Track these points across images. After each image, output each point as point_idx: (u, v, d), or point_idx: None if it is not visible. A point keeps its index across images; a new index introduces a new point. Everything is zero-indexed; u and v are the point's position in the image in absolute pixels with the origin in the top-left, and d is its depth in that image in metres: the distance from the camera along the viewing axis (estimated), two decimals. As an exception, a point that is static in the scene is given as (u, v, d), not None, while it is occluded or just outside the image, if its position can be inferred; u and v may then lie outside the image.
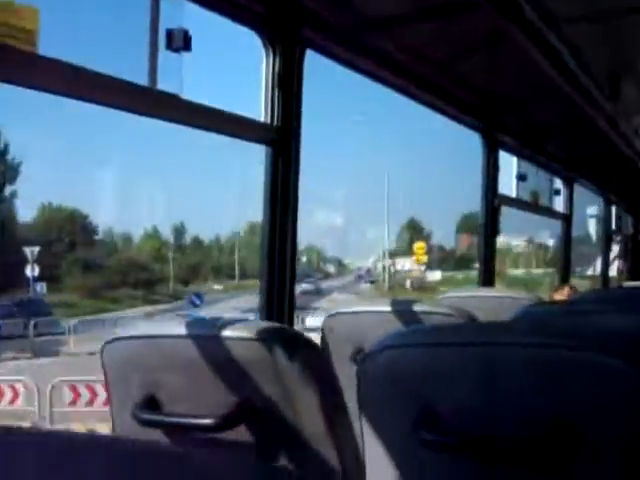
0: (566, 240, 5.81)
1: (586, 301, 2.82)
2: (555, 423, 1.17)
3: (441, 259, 49.05)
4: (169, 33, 2.15)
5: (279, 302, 2.53)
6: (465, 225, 45.18)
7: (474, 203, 4.22)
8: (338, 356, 2.46)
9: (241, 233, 51.37)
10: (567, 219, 5.76)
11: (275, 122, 2.49)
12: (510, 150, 4.56)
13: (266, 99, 2.50)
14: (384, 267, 46.92)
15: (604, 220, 7.49)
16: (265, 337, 1.56)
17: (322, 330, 2.58)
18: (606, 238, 7.51)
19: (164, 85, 2.08)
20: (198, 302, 30.99)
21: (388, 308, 2.53)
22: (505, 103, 4.06)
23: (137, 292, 40.19)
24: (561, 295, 4.10)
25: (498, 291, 3.49)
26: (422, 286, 40.89)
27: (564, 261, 5.83)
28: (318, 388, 1.58)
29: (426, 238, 49.03)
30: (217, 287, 47.11)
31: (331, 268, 59.02)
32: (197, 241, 51.82)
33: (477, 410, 1.30)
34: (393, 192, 47.04)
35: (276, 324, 2.06)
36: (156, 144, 45.67)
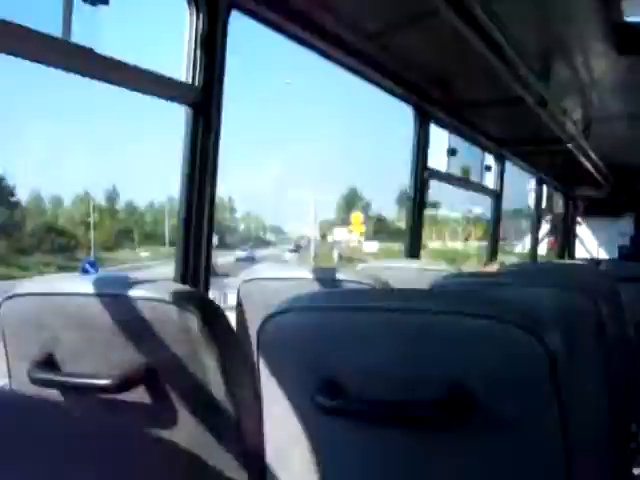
0: (495, 216, 5.89)
1: (509, 274, 2.85)
2: (451, 389, 1.18)
3: (379, 230, 49.33)
4: (85, -17, 2.08)
5: (195, 267, 2.50)
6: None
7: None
8: (252, 322, 2.46)
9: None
10: (497, 195, 5.83)
11: (197, 83, 2.45)
12: (443, 125, 4.60)
13: (188, 59, 2.45)
14: (311, 237, 46.59)
15: (535, 198, 7.61)
16: (172, 299, 1.54)
17: (237, 294, 2.57)
18: (537, 216, 7.64)
19: (79, 38, 2.03)
20: (92, 271, 25.37)
21: (305, 275, 2.53)
22: (437, 77, 4.07)
23: (52, 259, 37.53)
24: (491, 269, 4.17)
25: (420, 263, 3.51)
26: (351, 256, 40.63)
27: (493, 237, 5.91)
28: (223, 352, 1.56)
29: (364, 208, 49.20)
30: (144, 254, 45.59)
31: (272, 237, 59.43)
32: (131, 206, 51.12)
33: (378, 376, 1.30)
34: (333, 162, 47.20)
35: (186, 287, 2.04)
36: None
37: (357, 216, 43.40)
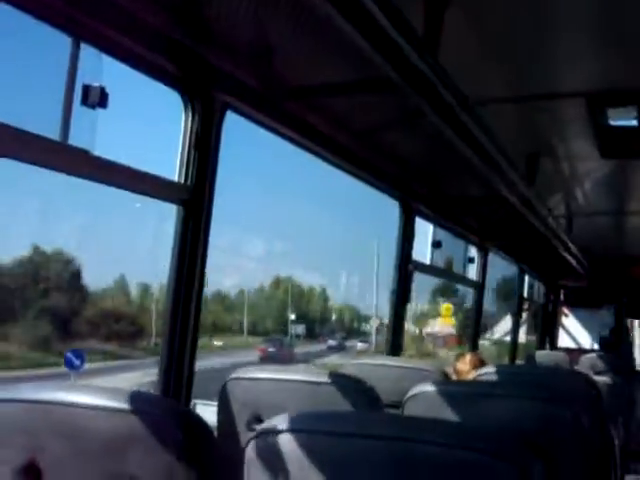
0: (477, 308, 5.92)
1: (488, 379, 2.87)
2: None
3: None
4: (86, 88, 2.12)
5: (176, 376, 2.49)
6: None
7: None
8: (234, 421, 2.45)
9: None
10: (479, 287, 5.88)
11: (189, 181, 2.49)
12: (427, 218, 4.66)
13: (182, 158, 2.49)
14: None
15: (517, 288, 7.66)
16: (158, 412, 1.54)
17: (221, 393, 2.56)
18: (517, 305, 7.67)
19: (77, 140, 2.06)
20: (76, 362, 22.28)
21: (286, 376, 2.52)
22: (422, 174, 4.16)
23: (107, 346, 34.38)
24: (463, 364, 4.16)
25: (402, 361, 3.51)
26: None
27: (474, 328, 5.93)
28: (205, 468, 1.56)
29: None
30: (217, 343, 41.34)
31: (367, 326, 57.00)
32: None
33: None
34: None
35: (172, 401, 2.03)
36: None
37: (448, 307, 41.79)
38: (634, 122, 3.93)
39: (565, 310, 10.02)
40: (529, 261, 7.51)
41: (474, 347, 5.81)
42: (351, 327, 58.06)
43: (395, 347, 4.17)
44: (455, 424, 1.38)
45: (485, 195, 4.20)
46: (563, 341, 10.02)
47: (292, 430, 1.38)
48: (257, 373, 2.56)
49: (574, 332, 10.11)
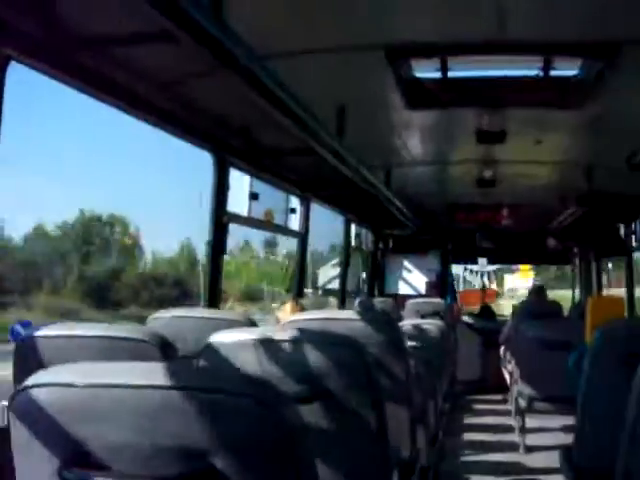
0: (300, 257, 6.03)
1: (291, 331, 2.93)
2: (194, 463, 1.22)
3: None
4: None
5: None
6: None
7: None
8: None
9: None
10: (302, 237, 5.98)
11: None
12: (243, 170, 4.68)
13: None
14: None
15: (344, 238, 7.84)
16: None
17: (14, 356, 2.49)
18: (345, 255, 7.86)
19: None
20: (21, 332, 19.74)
21: (80, 332, 2.48)
22: (234, 127, 4.16)
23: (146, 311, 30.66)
24: (284, 313, 4.25)
25: (214, 313, 3.53)
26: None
27: (298, 277, 6.04)
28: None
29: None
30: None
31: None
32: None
33: (123, 452, 1.32)
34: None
35: None
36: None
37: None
38: (438, 74, 4.09)
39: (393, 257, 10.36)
40: (354, 211, 7.69)
41: (299, 295, 5.92)
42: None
43: (212, 298, 4.19)
44: (212, 370, 1.41)
45: (298, 147, 4.25)
46: (396, 288, 10.38)
47: (54, 384, 1.37)
48: (50, 331, 2.51)
49: (404, 278, 10.48)
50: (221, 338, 2.31)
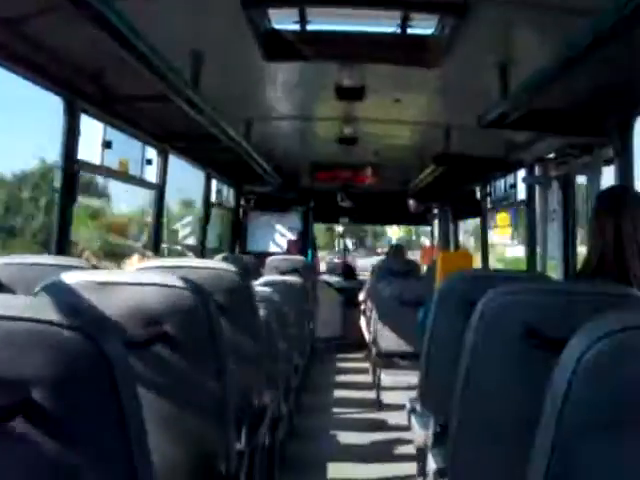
0: (157, 211, 5.91)
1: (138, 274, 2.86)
2: (15, 393, 1.16)
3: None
4: None
5: None
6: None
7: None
8: None
9: None
10: (160, 190, 5.86)
11: None
12: (96, 117, 4.53)
13: None
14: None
15: (204, 192, 7.74)
16: None
17: None
18: (205, 211, 7.77)
19: None
20: None
21: None
22: (86, 70, 4.00)
23: None
24: (130, 264, 4.15)
25: (57, 260, 3.41)
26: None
27: (155, 231, 5.93)
28: None
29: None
30: None
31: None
32: None
33: None
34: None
35: None
36: None
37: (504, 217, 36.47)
38: (296, 26, 4.06)
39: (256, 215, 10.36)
40: (215, 166, 7.60)
41: (155, 250, 5.81)
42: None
43: (61, 247, 4.05)
44: (41, 303, 1.34)
45: (153, 95, 4.13)
46: (257, 246, 10.38)
47: None
48: None
49: (266, 236, 10.49)
50: (58, 279, 2.22)
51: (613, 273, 2.71)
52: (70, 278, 2.15)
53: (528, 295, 2.15)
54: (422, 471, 3.47)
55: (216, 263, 3.11)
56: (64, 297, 2.08)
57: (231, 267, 3.01)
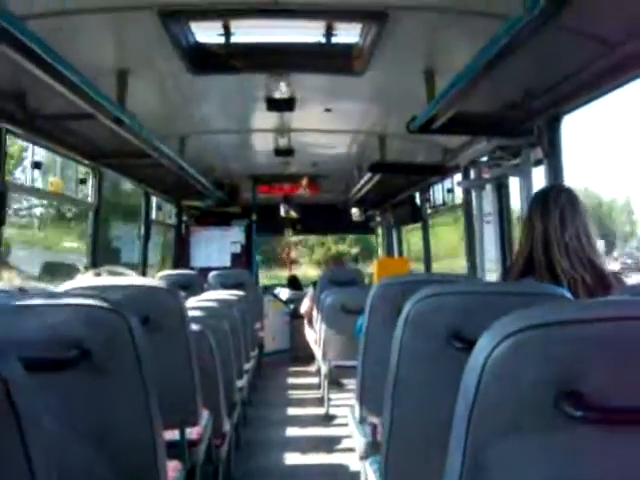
0: (93, 230, 5.82)
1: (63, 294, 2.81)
2: None
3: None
4: None
5: None
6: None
7: None
8: None
9: None
10: (95, 209, 5.79)
11: None
12: (24, 139, 4.46)
13: None
14: None
15: (143, 210, 7.66)
16: None
17: None
18: (145, 228, 7.69)
19: None
20: None
21: None
22: (7, 91, 3.93)
23: None
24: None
25: None
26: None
27: (92, 249, 5.84)
28: None
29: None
30: None
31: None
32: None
33: None
34: None
35: None
36: None
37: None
38: (221, 39, 4.04)
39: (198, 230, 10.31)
40: (153, 183, 7.53)
41: (94, 264, 5.73)
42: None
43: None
44: None
45: (78, 114, 4.07)
46: (201, 261, 10.32)
47: None
48: None
49: (209, 251, 10.44)
50: None
51: (541, 271, 2.75)
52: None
53: (451, 297, 2.16)
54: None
55: (146, 280, 3.08)
56: None
57: (161, 284, 2.97)
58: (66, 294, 2.19)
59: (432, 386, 2.21)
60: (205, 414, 3.37)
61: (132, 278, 3.31)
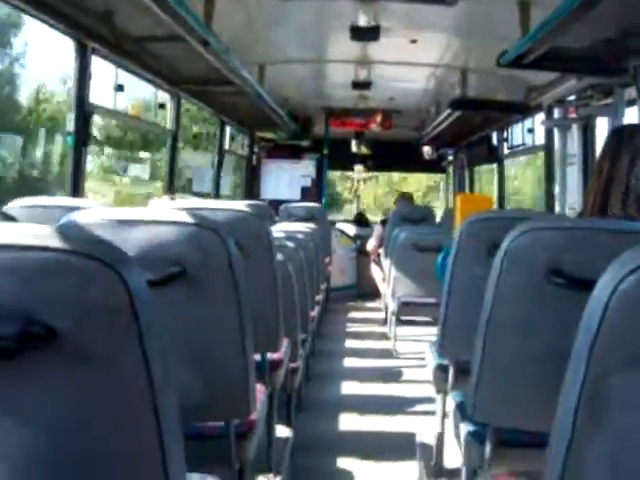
0: (171, 156, 5.85)
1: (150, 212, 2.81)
2: (30, 323, 1.13)
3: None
4: None
5: None
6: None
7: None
8: None
9: None
10: (173, 135, 5.80)
11: None
12: (109, 60, 4.45)
13: None
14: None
15: (218, 139, 7.67)
16: None
17: None
18: (219, 158, 7.70)
19: None
20: None
21: None
22: (97, 10, 3.91)
23: None
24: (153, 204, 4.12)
25: (71, 201, 3.39)
26: None
27: (169, 176, 5.88)
28: None
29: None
30: None
31: None
32: None
33: None
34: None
35: None
36: None
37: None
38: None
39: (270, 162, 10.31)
40: (228, 112, 7.51)
41: (169, 192, 5.77)
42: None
43: (76, 189, 4.02)
44: (62, 233, 1.30)
45: (165, 35, 4.05)
46: (272, 193, 10.34)
47: None
48: None
49: (280, 183, 10.45)
50: (76, 217, 2.17)
51: (594, 213, 2.62)
52: (86, 216, 2.11)
53: (552, 232, 2.09)
54: (442, 412, 3.46)
55: (237, 205, 3.06)
56: (83, 233, 2.04)
57: (251, 210, 2.96)
58: (166, 213, 2.18)
59: (528, 323, 2.16)
60: (285, 341, 3.39)
61: (221, 202, 3.30)
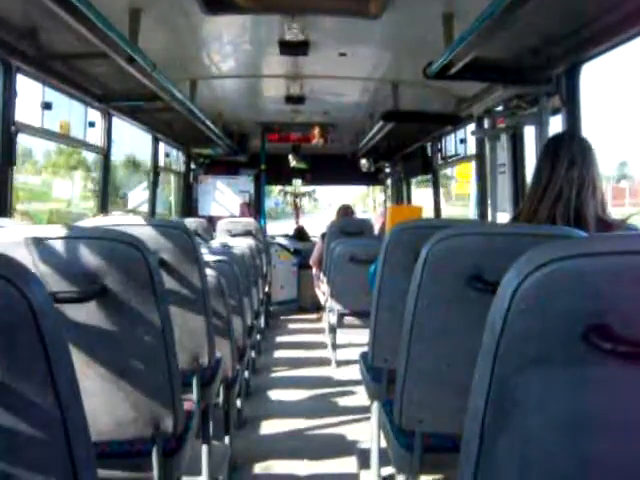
0: (103, 175, 5.79)
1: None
2: None
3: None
4: None
5: None
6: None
7: None
8: None
9: None
10: (104, 153, 5.75)
11: None
12: (36, 78, 4.39)
13: None
14: None
15: (152, 157, 7.60)
16: None
17: None
18: (154, 175, 7.63)
19: None
20: None
21: None
22: (20, 28, 3.87)
23: None
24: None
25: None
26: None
27: (102, 195, 5.82)
28: None
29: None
30: None
31: None
32: None
33: None
34: None
35: None
36: None
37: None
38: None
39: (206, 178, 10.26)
40: (161, 129, 7.46)
41: (103, 210, 5.72)
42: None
43: (2, 209, 3.96)
44: None
45: (91, 52, 4.01)
46: (209, 210, 10.30)
47: None
48: None
49: (217, 200, 10.41)
50: None
51: (528, 216, 2.69)
52: (2, 235, 2.07)
53: (472, 238, 2.13)
54: (378, 420, 3.48)
55: (163, 221, 3.04)
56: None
57: (178, 224, 2.94)
58: (84, 229, 2.16)
59: (450, 329, 2.19)
60: (217, 357, 3.38)
61: (148, 218, 3.28)
